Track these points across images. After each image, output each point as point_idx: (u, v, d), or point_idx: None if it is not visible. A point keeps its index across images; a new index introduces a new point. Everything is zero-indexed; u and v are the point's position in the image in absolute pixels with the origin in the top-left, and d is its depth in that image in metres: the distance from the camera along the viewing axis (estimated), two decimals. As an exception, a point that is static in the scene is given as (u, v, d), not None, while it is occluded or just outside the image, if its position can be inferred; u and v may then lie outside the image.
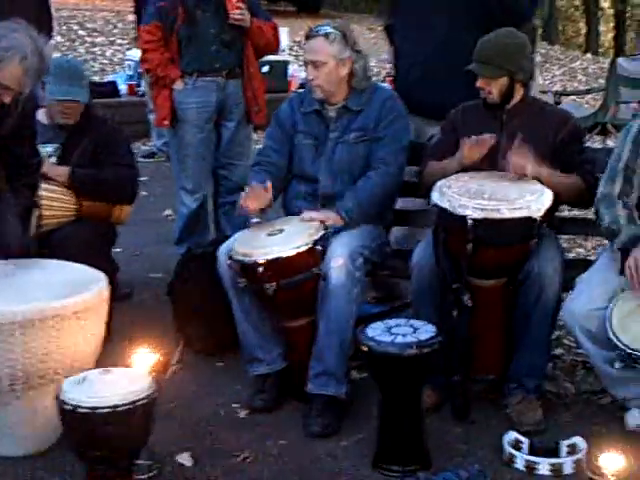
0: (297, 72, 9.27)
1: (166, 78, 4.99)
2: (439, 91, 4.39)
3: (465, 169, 3.84)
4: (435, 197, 3.65)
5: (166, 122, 5.06)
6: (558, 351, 4.40)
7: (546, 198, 3.60)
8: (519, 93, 3.90)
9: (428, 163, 4.01)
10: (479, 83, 3.86)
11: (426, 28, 4.55)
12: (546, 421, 3.73)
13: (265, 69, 7.74)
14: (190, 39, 4.93)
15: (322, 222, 3.83)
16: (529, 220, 3.52)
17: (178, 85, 4.98)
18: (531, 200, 3.54)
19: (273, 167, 4.11)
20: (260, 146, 4.34)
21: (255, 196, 3.86)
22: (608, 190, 3.64)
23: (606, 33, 28.86)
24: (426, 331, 3.42)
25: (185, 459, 3.46)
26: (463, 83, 4.01)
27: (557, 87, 13.92)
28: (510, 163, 3.70)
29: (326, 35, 3.94)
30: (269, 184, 3.89)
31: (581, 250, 5.91)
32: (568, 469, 3.33)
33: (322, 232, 3.80)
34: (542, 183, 3.69)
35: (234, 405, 3.95)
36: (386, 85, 5.14)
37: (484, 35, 3.94)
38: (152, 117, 6.22)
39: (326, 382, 3.73)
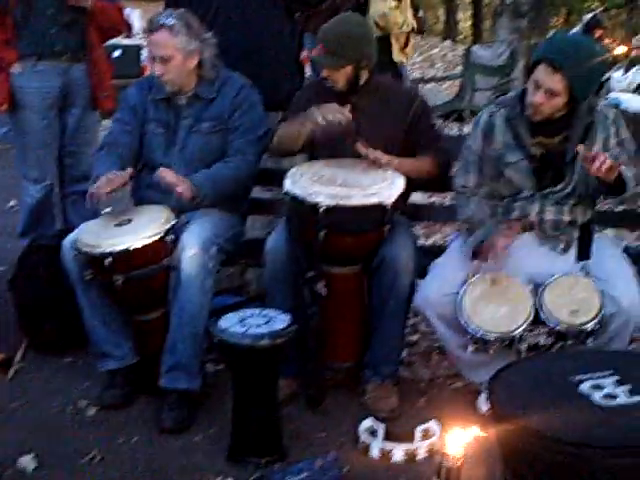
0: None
1: (1, 61, 4.72)
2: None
3: (316, 155, 3.84)
4: (288, 185, 3.61)
5: (3, 107, 4.82)
6: (414, 337, 4.43)
7: (397, 185, 3.60)
8: (364, 77, 3.86)
9: (280, 125, 3.95)
10: (324, 73, 3.83)
11: (219, 18, 4.46)
12: (401, 407, 3.75)
13: (117, 53, 7.55)
14: (26, 20, 4.65)
15: (172, 185, 3.69)
16: (380, 207, 3.52)
17: (16, 69, 4.72)
18: (382, 187, 3.54)
19: (122, 149, 3.98)
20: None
21: (108, 180, 3.71)
22: (464, 182, 3.70)
23: (465, 21, 29.46)
24: (280, 321, 3.38)
25: (27, 462, 3.33)
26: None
27: (416, 74, 14.10)
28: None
29: (170, 27, 3.81)
30: (130, 170, 3.79)
31: (439, 236, 5.96)
32: (422, 454, 3.35)
33: (173, 221, 3.71)
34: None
35: (82, 403, 3.83)
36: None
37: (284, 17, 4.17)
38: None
39: (179, 376, 3.65)
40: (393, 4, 7.15)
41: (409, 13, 7.41)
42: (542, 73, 3.40)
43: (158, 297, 3.70)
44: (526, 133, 3.56)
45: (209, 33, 3.94)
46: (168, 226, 3.68)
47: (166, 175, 3.73)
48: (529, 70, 3.52)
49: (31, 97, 4.76)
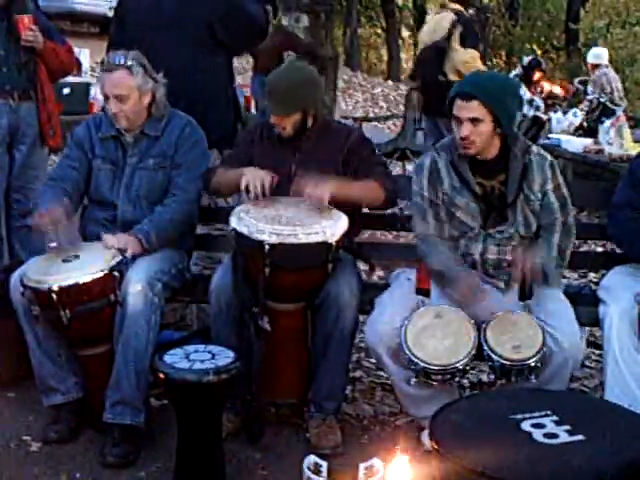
0: (99, 94, 9.10)
1: None
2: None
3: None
4: (233, 222, 3.64)
5: None
6: (357, 373, 4.46)
7: (341, 224, 3.65)
8: (310, 122, 3.94)
9: (218, 170, 4.01)
10: (273, 120, 3.89)
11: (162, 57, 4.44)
12: (345, 443, 3.77)
13: (66, 91, 7.57)
14: None
15: (121, 250, 3.76)
16: (324, 245, 3.56)
17: None
18: (326, 225, 3.59)
19: (68, 183, 4.02)
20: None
21: (49, 213, 3.75)
22: (424, 230, 3.74)
23: (407, 61, 29.77)
24: (224, 357, 3.40)
25: (-30, 497, 3.32)
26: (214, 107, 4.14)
27: (359, 113, 14.25)
28: (309, 197, 3.69)
29: (128, 68, 3.90)
30: (65, 200, 3.84)
31: (382, 273, 6.00)
32: (365, 491, 3.34)
33: (119, 257, 3.74)
34: (340, 199, 3.71)
35: (26, 437, 3.81)
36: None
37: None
38: None
39: (123, 411, 3.66)
40: (475, 54, 7.75)
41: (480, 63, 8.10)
42: (458, 107, 3.53)
43: (104, 332, 3.71)
44: (468, 174, 3.64)
45: (160, 74, 4.02)
46: (115, 262, 3.70)
47: (110, 242, 3.79)
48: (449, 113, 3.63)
49: None
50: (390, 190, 3.86)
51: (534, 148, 3.72)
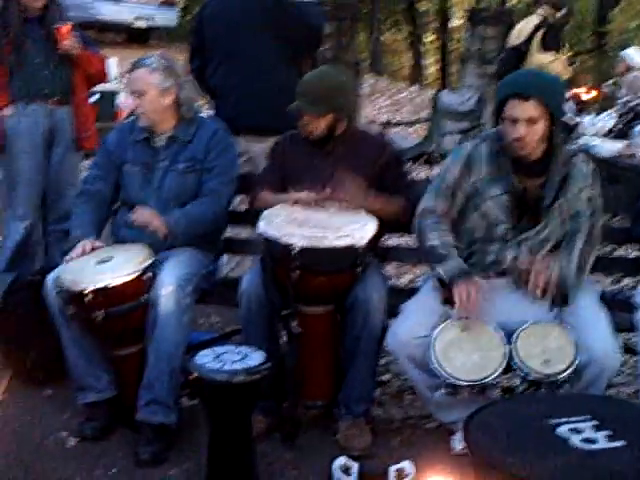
0: (126, 101, 9.16)
1: None
2: (260, 111, 4.71)
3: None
4: (262, 226, 3.67)
5: None
6: (386, 376, 4.46)
7: (370, 227, 3.67)
8: (342, 125, 3.96)
9: (260, 193, 4.04)
10: (304, 120, 3.92)
11: (237, 59, 4.93)
12: (375, 445, 3.77)
13: (94, 98, 7.64)
14: (19, 66, 4.86)
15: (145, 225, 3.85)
16: (353, 249, 3.58)
17: (7, 112, 4.91)
18: (355, 229, 3.60)
19: (99, 195, 4.12)
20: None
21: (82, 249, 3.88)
22: (432, 206, 3.69)
23: (431, 66, 29.70)
24: (255, 357, 3.42)
25: (9, 492, 3.37)
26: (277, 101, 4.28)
27: (384, 118, 14.22)
28: (342, 194, 3.78)
29: (147, 66, 3.99)
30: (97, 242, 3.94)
31: (410, 277, 6.02)
32: (396, 493, 3.35)
33: (151, 259, 3.79)
34: (369, 210, 3.77)
35: (62, 434, 3.88)
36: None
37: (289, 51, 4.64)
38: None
39: (155, 410, 3.71)
40: (551, 58, 7.86)
41: (564, 65, 8.19)
42: (515, 108, 3.42)
43: (136, 333, 3.76)
44: (509, 168, 3.57)
45: (188, 76, 4.08)
46: (146, 264, 3.76)
47: (139, 216, 3.87)
48: (497, 112, 3.54)
49: (20, 138, 4.94)
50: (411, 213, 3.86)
51: (580, 156, 3.64)
